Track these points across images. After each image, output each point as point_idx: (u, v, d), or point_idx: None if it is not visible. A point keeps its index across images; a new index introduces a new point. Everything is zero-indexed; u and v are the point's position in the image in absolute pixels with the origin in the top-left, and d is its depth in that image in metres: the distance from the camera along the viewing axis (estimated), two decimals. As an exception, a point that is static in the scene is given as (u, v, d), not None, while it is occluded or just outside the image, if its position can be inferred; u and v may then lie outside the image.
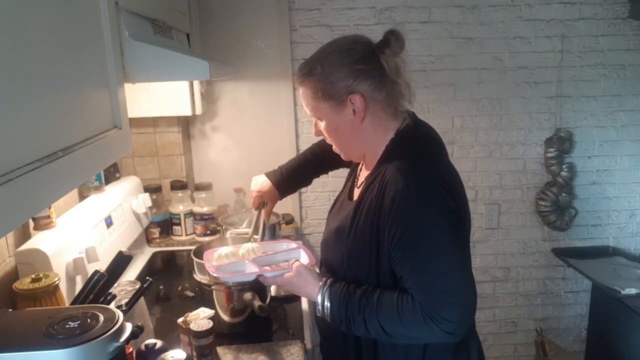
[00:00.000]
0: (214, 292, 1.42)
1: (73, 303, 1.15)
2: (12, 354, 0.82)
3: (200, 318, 1.32)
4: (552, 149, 2.39)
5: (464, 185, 1.14)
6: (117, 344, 0.89)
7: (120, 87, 1.09)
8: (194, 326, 1.25)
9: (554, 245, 2.56)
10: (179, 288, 1.78)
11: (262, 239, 1.54)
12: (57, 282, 1.24)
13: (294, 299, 1.65)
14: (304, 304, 1.62)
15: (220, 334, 1.38)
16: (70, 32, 0.88)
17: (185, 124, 2.30)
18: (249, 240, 1.52)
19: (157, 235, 2.19)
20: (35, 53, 0.74)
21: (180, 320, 1.34)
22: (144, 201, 1.99)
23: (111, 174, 1.99)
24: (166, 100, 2.03)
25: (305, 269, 1.18)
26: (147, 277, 1.36)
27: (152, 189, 2.17)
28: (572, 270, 2.48)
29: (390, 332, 1.04)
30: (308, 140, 2.18)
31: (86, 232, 1.54)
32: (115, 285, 1.34)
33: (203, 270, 1.43)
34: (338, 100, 1.09)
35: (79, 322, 0.89)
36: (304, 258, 1.30)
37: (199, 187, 2.23)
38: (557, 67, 2.37)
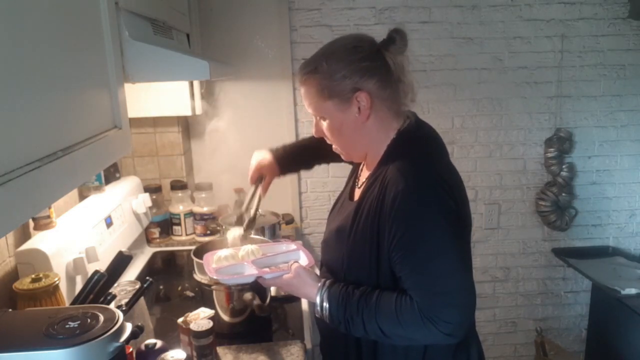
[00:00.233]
0: (214, 292, 1.42)
1: (73, 303, 1.15)
2: (12, 354, 0.82)
3: (200, 318, 1.32)
4: (552, 149, 2.39)
5: (464, 185, 1.14)
6: (117, 344, 0.89)
7: (120, 87, 1.09)
8: (194, 326, 1.25)
9: (554, 245, 2.56)
10: (179, 288, 1.78)
11: (256, 214, 1.51)
12: (57, 282, 1.24)
13: (294, 299, 1.64)
14: (304, 304, 1.62)
15: (220, 334, 1.38)
16: (70, 32, 0.88)
17: (185, 124, 2.30)
18: (240, 215, 1.51)
19: (157, 235, 2.19)
20: (35, 53, 0.74)
21: (180, 320, 1.34)
22: (144, 201, 1.99)
23: (111, 174, 1.99)
24: (166, 100, 2.02)
25: (303, 270, 1.18)
26: (147, 277, 1.36)
27: (152, 189, 2.17)
28: (572, 270, 2.48)
29: (389, 334, 1.04)
30: (308, 140, 2.18)
31: (86, 232, 1.54)
32: (115, 285, 1.34)
33: (203, 270, 1.43)
34: (343, 98, 1.09)
35: (79, 322, 0.89)
36: (303, 259, 1.30)
37: (199, 187, 2.23)
38: (557, 67, 2.37)
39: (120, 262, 1.23)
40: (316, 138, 1.20)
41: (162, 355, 1.17)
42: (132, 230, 1.91)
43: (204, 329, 1.24)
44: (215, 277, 1.25)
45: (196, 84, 2.10)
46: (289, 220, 2.29)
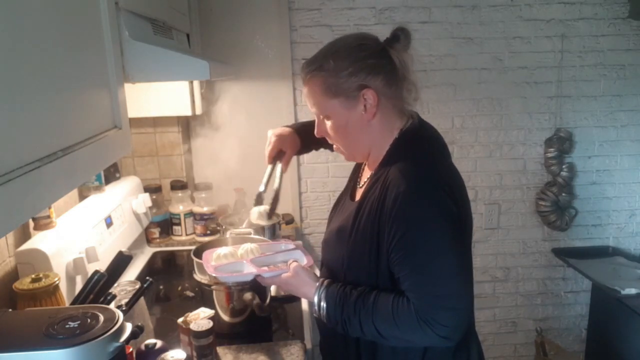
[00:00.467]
0: (214, 292, 1.42)
1: (73, 303, 1.15)
2: (12, 354, 0.82)
3: (200, 318, 1.32)
4: (552, 149, 2.39)
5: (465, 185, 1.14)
6: (117, 344, 0.89)
7: (120, 87, 1.09)
8: (194, 326, 1.25)
9: (554, 245, 2.56)
10: (179, 288, 1.78)
11: (279, 191, 1.45)
12: (57, 282, 1.24)
13: (294, 299, 1.64)
14: (304, 304, 1.62)
15: (220, 334, 1.38)
16: (70, 32, 0.88)
17: (185, 124, 2.30)
18: (258, 195, 1.47)
19: (157, 235, 2.19)
20: (35, 53, 0.74)
21: (180, 320, 1.34)
22: (144, 201, 1.99)
23: (111, 174, 1.99)
24: (166, 100, 2.03)
25: (302, 269, 1.18)
26: (147, 277, 1.36)
27: (152, 189, 2.17)
28: (572, 270, 2.48)
29: (385, 335, 1.04)
30: (308, 140, 2.18)
31: (86, 232, 1.54)
32: (115, 285, 1.34)
33: (203, 270, 1.43)
34: (350, 95, 1.08)
35: (79, 322, 0.89)
36: (302, 259, 1.30)
37: (199, 187, 2.23)
38: (557, 67, 2.37)
39: (120, 262, 1.23)
40: None
41: (162, 355, 1.17)
42: (132, 230, 1.91)
43: (204, 329, 1.24)
44: (214, 275, 1.26)
45: (196, 84, 2.10)
46: (289, 220, 2.29)
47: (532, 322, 2.65)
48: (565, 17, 2.33)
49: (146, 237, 2.18)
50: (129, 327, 0.93)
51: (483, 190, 2.49)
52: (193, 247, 1.54)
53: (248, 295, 1.40)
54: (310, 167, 2.39)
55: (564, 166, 2.40)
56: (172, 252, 2.15)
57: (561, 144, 2.39)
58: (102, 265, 1.25)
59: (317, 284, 1.13)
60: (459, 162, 1.18)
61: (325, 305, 1.10)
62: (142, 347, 1.23)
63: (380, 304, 1.04)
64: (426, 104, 2.36)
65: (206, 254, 1.35)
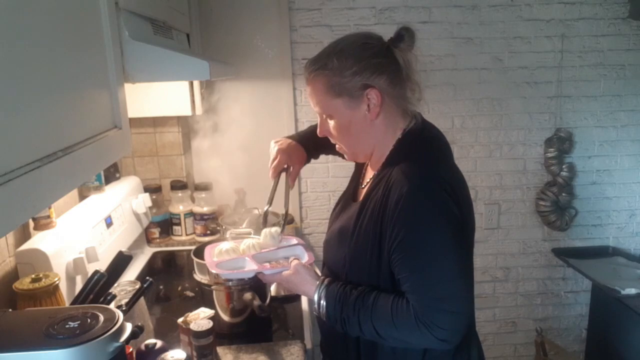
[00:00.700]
0: (214, 292, 1.42)
1: (73, 303, 1.16)
2: (12, 354, 0.82)
3: (200, 318, 1.32)
4: (552, 149, 2.39)
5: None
6: (117, 344, 0.89)
7: (120, 87, 1.09)
8: (194, 326, 1.25)
9: (554, 245, 2.56)
10: (179, 288, 1.78)
11: (288, 208, 1.41)
12: (57, 282, 1.24)
13: (294, 299, 1.65)
14: (304, 304, 1.62)
15: (220, 334, 1.38)
16: (70, 32, 0.88)
17: (185, 124, 2.30)
18: (265, 213, 1.41)
19: (157, 235, 2.19)
20: (35, 53, 0.74)
21: (180, 320, 1.34)
22: (144, 201, 1.99)
23: (111, 174, 1.99)
24: (166, 100, 2.02)
25: (303, 267, 1.18)
26: (147, 277, 1.37)
27: (152, 189, 2.17)
28: (572, 270, 2.48)
29: (384, 335, 1.04)
30: (308, 140, 2.18)
31: (86, 232, 1.54)
32: (115, 285, 1.34)
33: (203, 270, 1.43)
34: (354, 95, 1.07)
35: (79, 322, 0.89)
36: (304, 256, 1.31)
37: (199, 187, 2.23)
38: (557, 67, 2.37)
39: (120, 262, 1.23)
40: None
41: (162, 355, 1.17)
42: (132, 230, 1.91)
43: (204, 329, 1.24)
44: (215, 271, 1.26)
45: (196, 84, 2.10)
46: (289, 220, 2.29)
47: (532, 322, 2.65)
48: (565, 17, 2.33)
49: (146, 237, 2.18)
50: (129, 327, 0.93)
51: (483, 190, 2.49)
52: (193, 247, 1.54)
53: (248, 295, 1.40)
54: (310, 167, 2.38)
55: (564, 166, 2.40)
56: (172, 252, 2.15)
57: (561, 144, 2.39)
58: (102, 265, 1.25)
59: (318, 282, 1.14)
60: (459, 162, 1.18)
61: (325, 303, 1.10)
62: (142, 347, 1.23)
63: (380, 304, 1.04)
64: (426, 104, 2.34)
65: (208, 249, 1.36)
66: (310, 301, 1.16)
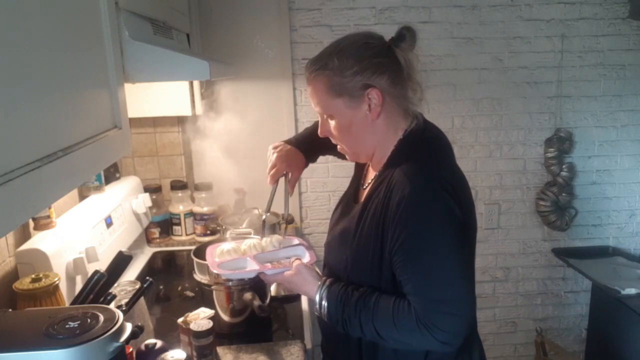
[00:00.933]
0: (214, 292, 1.42)
1: (73, 303, 1.15)
2: (12, 354, 0.82)
3: (200, 318, 1.32)
4: (552, 149, 2.39)
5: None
6: (117, 344, 0.89)
7: (120, 87, 1.09)
8: (194, 326, 1.25)
9: (554, 245, 2.56)
10: (179, 288, 1.78)
11: (287, 217, 1.40)
12: (57, 282, 1.24)
13: (294, 299, 1.65)
14: (304, 304, 1.62)
15: (220, 334, 1.38)
16: (70, 32, 0.88)
17: (185, 124, 2.30)
18: (263, 220, 1.40)
19: (157, 235, 2.19)
20: (35, 53, 0.74)
21: (180, 320, 1.34)
22: (144, 201, 1.99)
23: (111, 174, 1.99)
24: (166, 100, 2.02)
25: (305, 267, 1.18)
26: (147, 277, 1.37)
27: (152, 189, 2.17)
28: (572, 270, 2.48)
29: (385, 336, 1.04)
30: (308, 140, 2.18)
31: (86, 232, 1.54)
32: (115, 285, 1.34)
33: (203, 270, 1.43)
34: (354, 95, 1.07)
35: (79, 322, 0.89)
36: (306, 256, 1.30)
37: (199, 187, 2.23)
38: (557, 67, 2.37)
39: (120, 262, 1.23)
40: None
41: (162, 355, 1.17)
42: (132, 230, 1.91)
43: (204, 329, 1.24)
44: (216, 272, 1.26)
45: (196, 84, 2.10)
46: (289, 220, 2.29)
47: (532, 322, 2.65)
48: (565, 17, 2.33)
49: (146, 237, 2.18)
50: (129, 327, 0.93)
51: (483, 190, 2.49)
52: (193, 247, 1.54)
53: (248, 295, 1.40)
54: (310, 167, 2.36)
55: (564, 166, 2.40)
56: (172, 252, 2.15)
57: (561, 144, 2.39)
58: (102, 265, 1.25)
59: (319, 282, 1.13)
60: (459, 162, 1.18)
61: (326, 304, 1.10)
62: (142, 347, 1.23)
63: (381, 306, 1.03)
64: (426, 104, 2.33)
65: (209, 250, 1.35)
66: (311, 301, 1.16)
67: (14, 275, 1.34)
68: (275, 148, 1.39)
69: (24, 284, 1.21)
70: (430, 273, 1.00)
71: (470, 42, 2.33)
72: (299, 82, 2.30)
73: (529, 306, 2.64)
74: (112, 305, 1.17)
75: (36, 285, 1.21)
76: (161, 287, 1.82)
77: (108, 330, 0.88)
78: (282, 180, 1.38)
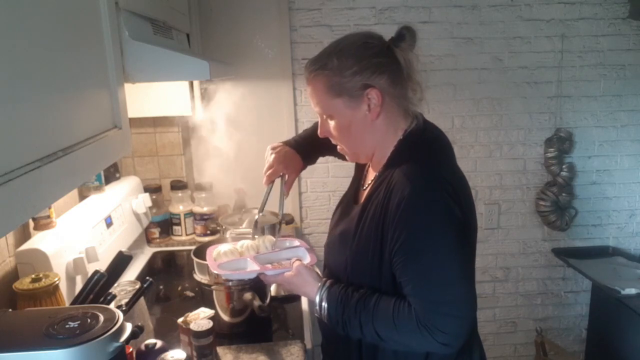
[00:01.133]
0: (214, 292, 1.42)
1: (73, 303, 1.15)
2: (12, 354, 0.82)
3: (200, 318, 1.32)
4: (552, 149, 2.39)
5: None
6: (117, 344, 0.89)
7: (120, 87, 1.09)
8: (194, 326, 1.25)
9: (554, 245, 2.56)
10: (179, 288, 1.78)
11: (281, 221, 1.40)
12: (57, 282, 1.24)
13: (294, 299, 1.65)
14: (304, 304, 1.62)
15: (220, 334, 1.38)
16: (70, 32, 0.88)
17: (185, 124, 2.30)
18: (256, 220, 1.39)
19: (157, 235, 2.19)
20: (35, 53, 0.74)
21: (180, 320, 1.34)
22: (144, 201, 1.99)
23: (111, 174, 1.99)
24: (166, 100, 2.02)
25: (305, 268, 1.18)
26: (147, 277, 1.36)
27: (152, 189, 2.17)
28: (572, 270, 2.48)
29: (385, 338, 1.04)
30: (308, 140, 2.18)
31: (86, 232, 1.54)
32: (115, 285, 1.34)
33: (203, 270, 1.43)
34: (354, 95, 1.06)
35: (79, 322, 0.89)
36: (307, 257, 1.30)
37: (199, 187, 2.23)
38: (557, 67, 2.37)
39: (120, 262, 1.23)
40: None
41: (162, 355, 1.17)
42: (132, 230, 1.91)
43: (204, 329, 1.24)
44: (217, 272, 1.26)
45: (196, 84, 2.10)
46: (289, 220, 2.29)
47: (532, 322, 2.64)
48: (565, 17, 2.33)
49: (146, 237, 2.18)
50: (129, 327, 0.93)
51: (483, 190, 2.49)
52: (193, 247, 1.54)
53: (248, 295, 1.40)
54: (310, 167, 2.38)
55: (564, 166, 2.40)
56: (172, 252, 2.15)
57: (561, 144, 2.39)
58: (102, 265, 1.25)
59: (320, 284, 1.13)
60: (459, 162, 1.18)
61: (326, 305, 1.10)
62: (142, 347, 1.23)
63: (381, 307, 1.03)
64: (426, 104, 2.33)
65: (209, 250, 1.35)
66: (311, 302, 1.15)
67: (14, 275, 1.34)
68: (273, 149, 1.39)
69: (24, 284, 1.21)
70: (431, 274, 0.99)
71: (470, 42, 2.33)
72: (299, 82, 2.30)
73: (529, 306, 2.64)
74: (112, 305, 1.17)
75: (36, 285, 1.21)
76: (161, 287, 1.82)
77: (108, 330, 0.88)
78: (278, 181, 1.38)
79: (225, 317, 1.43)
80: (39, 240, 1.36)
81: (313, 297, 1.13)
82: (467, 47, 2.33)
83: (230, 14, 2.23)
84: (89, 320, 0.90)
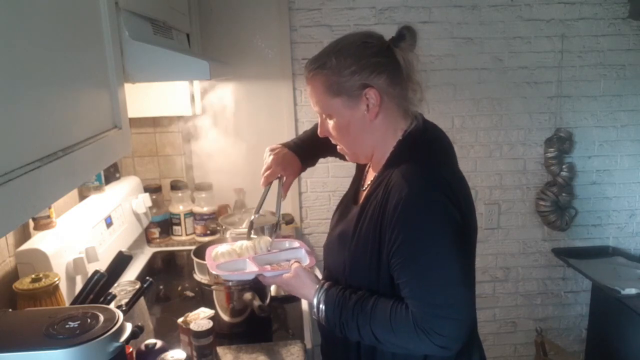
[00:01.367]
0: (214, 292, 1.42)
1: (73, 303, 1.15)
2: (12, 354, 0.82)
3: (200, 318, 1.32)
4: (552, 149, 2.39)
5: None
6: (117, 344, 0.89)
7: (120, 87, 1.09)
8: (194, 326, 1.25)
9: (554, 245, 2.56)
10: (179, 288, 1.78)
11: (279, 218, 1.39)
12: (57, 282, 1.24)
13: (294, 299, 1.64)
14: (304, 304, 1.62)
15: (220, 334, 1.38)
16: (70, 32, 0.88)
17: (185, 123, 2.30)
18: (251, 221, 1.39)
19: (157, 235, 2.19)
20: (35, 53, 0.74)
21: (180, 320, 1.34)
22: (144, 201, 1.99)
23: (111, 174, 1.99)
24: (166, 100, 2.02)
25: (303, 271, 1.17)
26: (147, 277, 1.36)
27: (152, 189, 2.17)
28: (572, 270, 2.48)
29: (382, 340, 1.03)
30: (308, 140, 2.18)
31: (86, 232, 1.54)
32: (115, 285, 1.34)
33: (203, 270, 1.43)
34: (352, 94, 1.06)
35: (79, 322, 0.89)
36: (305, 259, 1.30)
37: (199, 187, 2.23)
38: (557, 67, 2.37)
39: (120, 262, 1.23)
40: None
41: (162, 355, 1.17)
42: (132, 230, 1.91)
43: (204, 329, 1.24)
44: (215, 272, 1.26)
45: (196, 84, 2.10)
46: (289, 220, 2.29)
47: (532, 322, 2.64)
48: (565, 17, 2.33)
49: (146, 237, 2.18)
50: (129, 327, 0.93)
51: (483, 190, 2.49)
52: (193, 247, 1.54)
53: (248, 295, 1.40)
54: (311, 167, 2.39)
55: (564, 166, 2.40)
56: (172, 252, 2.15)
57: (561, 144, 2.39)
58: (102, 265, 1.25)
59: (317, 286, 1.13)
60: (459, 162, 1.18)
61: (324, 307, 1.09)
62: (142, 347, 1.23)
63: (379, 310, 1.03)
64: (426, 104, 2.33)
65: (208, 251, 1.35)
66: (310, 304, 1.15)
67: (14, 275, 1.34)
68: (272, 150, 1.38)
69: (24, 284, 1.21)
70: (428, 277, 0.98)
71: (470, 42, 2.33)
72: (299, 82, 2.30)
73: (529, 306, 2.64)
74: (112, 305, 1.17)
75: (36, 285, 1.21)
76: (161, 287, 1.82)
77: (108, 330, 0.88)
78: (276, 183, 1.37)
79: (225, 317, 1.43)
80: (39, 240, 1.36)
81: (311, 299, 1.13)
82: (467, 47, 2.33)
83: (230, 14, 2.23)
84: (89, 320, 0.90)
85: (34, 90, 0.73)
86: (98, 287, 1.15)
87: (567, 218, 2.45)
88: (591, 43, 2.36)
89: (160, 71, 1.23)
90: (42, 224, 1.39)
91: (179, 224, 2.20)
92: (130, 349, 1.19)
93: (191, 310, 1.38)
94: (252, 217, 1.41)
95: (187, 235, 2.22)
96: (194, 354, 1.25)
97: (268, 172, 1.35)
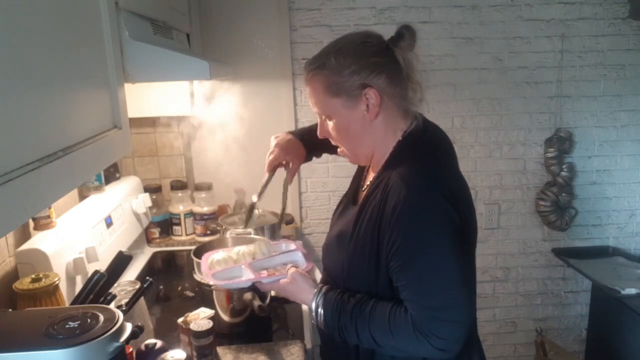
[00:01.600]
0: (214, 292, 1.42)
1: (73, 303, 1.15)
2: (12, 354, 0.82)
3: (200, 318, 1.32)
4: (552, 149, 2.39)
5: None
6: (117, 344, 0.89)
7: (120, 87, 1.09)
8: (194, 326, 1.25)
9: (554, 245, 2.56)
10: (179, 288, 1.78)
11: (284, 211, 1.39)
12: (57, 282, 1.24)
13: (294, 299, 1.64)
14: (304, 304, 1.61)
15: (220, 334, 1.38)
16: (70, 32, 0.88)
17: (185, 123, 2.30)
18: (249, 209, 1.39)
19: (157, 235, 2.19)
20: (36, 53, 0.74)
21: (180, 320, 1.34)
22: (144, 201, 1.99)
23: (111, 174, 1.99)
24: (166, 100, 2.03)
25: (300, 276, 1.17)
26: (147, 277, 1.36)
27: (152, 189, 2.17)
28: (572, 270, 2.48)
29: (381, 343, 1.03)
30: (308, 140, 2.18)
31: (86, 232, 1.54)
32: (115, 285, 1.34)
33: (203, 270, 1.43)
34: (351, 94, 1.06)
35: (79, 322, 0.89)
36: (302, 262, 1.29)
37: (199, 187, 2.23)
38: (557, 67, 2.37)
39: (120, 262, 1.23)
40: None
41: (162, 355, 1.17)
42: (132, 230, 1.91)
43: (204, 329, 1.24)
44: (211, 282, 1.25)
45: (196, 84, 2.10)
46: (289, 220, 2.29)
47: (532, 322, 2.64)
48: (565, 17, 2.33)
49: (146, 237, 2.18)
50: (129, 327, 0.93)
51: (483, 190, 2.49)
52: (193, 247, 1.54)
53: (248, 296, 1.39)
54: (310, 167, 2.39)
55: (564, 166, 2.40)
56: (172, 252, 2.15)
57: (561, 144, 2.39)
58: (102, 265, 1.25)
59: (315, 290, 1.12)
60: (459, 162, 1.17)
61: (322, 312, 1.09)
62: (142, 347, 1.23)
63: (378, 313, 1.02)
64: (426, 104, 2.33)
65: (204, 258, 1.35)
66: (309, 308, 1.15)
67: (14, 275, 1.34)
68: (276, 137, 1.40)
69: (24, 284, 1.21)
70: (427, 279, 0.98)
71: (470, 42, 2.33)
72: (299, 82, 2.30)
73: (529, 306, 2.64)
74: (112, 305, 1.17)
75: (36, 285, 1.21)
76: (161, 287, 1.82)
77: (108, 330, 0.88)
78: (280, 174, 1.37)
79: (225, 317, 1.43)
80: (39, 240, 1.36)
81: (309, 304, 1.12)
82: (467, 47, 2.33)
83: (230, 14, 2.23)
84: (89, 320, 0.90)
85: (34, 90, 0.73)
86: (98, 287, 1.15)
87: (567, 218, 2.46)
88: (591, 43, 2.36)
89: (160, 71, 1.23)
90: (42, 224, 1.39)
91: (179, 224, 2.20)
92: (130, 349, 1.19)
93: (191, 310, 1.38)
94: (254, 200, 1.39)
95: (187, 235, 2.22)
96: (194, 354, 1.25)
97: (272, 156, 1.35)
